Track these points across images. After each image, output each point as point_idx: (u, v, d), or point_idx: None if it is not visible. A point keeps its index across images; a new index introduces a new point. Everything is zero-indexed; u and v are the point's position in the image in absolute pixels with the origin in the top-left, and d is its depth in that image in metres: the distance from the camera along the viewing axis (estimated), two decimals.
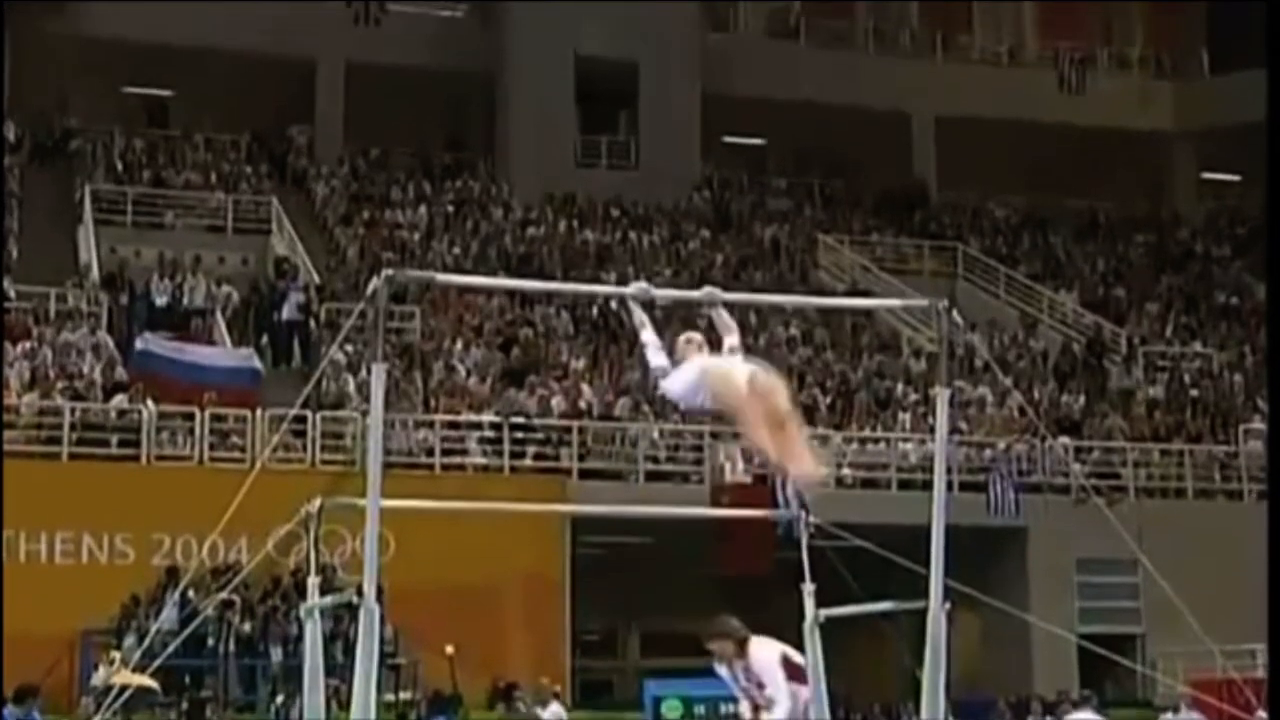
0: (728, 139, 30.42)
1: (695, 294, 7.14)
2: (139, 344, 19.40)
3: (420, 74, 28.01)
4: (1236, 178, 33.25)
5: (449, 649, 16.27)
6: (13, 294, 20.86)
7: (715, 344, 7.11)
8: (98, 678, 15.26)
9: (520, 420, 19.72)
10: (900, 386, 22.85)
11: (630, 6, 28.57)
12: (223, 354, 20.41)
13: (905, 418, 21.84)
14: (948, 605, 6.94)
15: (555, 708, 15.92)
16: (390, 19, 28.68)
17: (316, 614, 7.51)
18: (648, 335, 6.95)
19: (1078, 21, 33.60)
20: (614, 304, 23.23)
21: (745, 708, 7.61)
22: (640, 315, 6.99)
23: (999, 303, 27.48)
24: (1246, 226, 31.32)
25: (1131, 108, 32.27)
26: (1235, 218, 31.99)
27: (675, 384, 6.88)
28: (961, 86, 31.12)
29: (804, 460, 6.70)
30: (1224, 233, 31.77)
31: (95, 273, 22.19)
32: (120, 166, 25.74)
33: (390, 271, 6.51)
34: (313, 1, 28.62)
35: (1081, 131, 31.10)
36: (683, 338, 7.00)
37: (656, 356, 6.92)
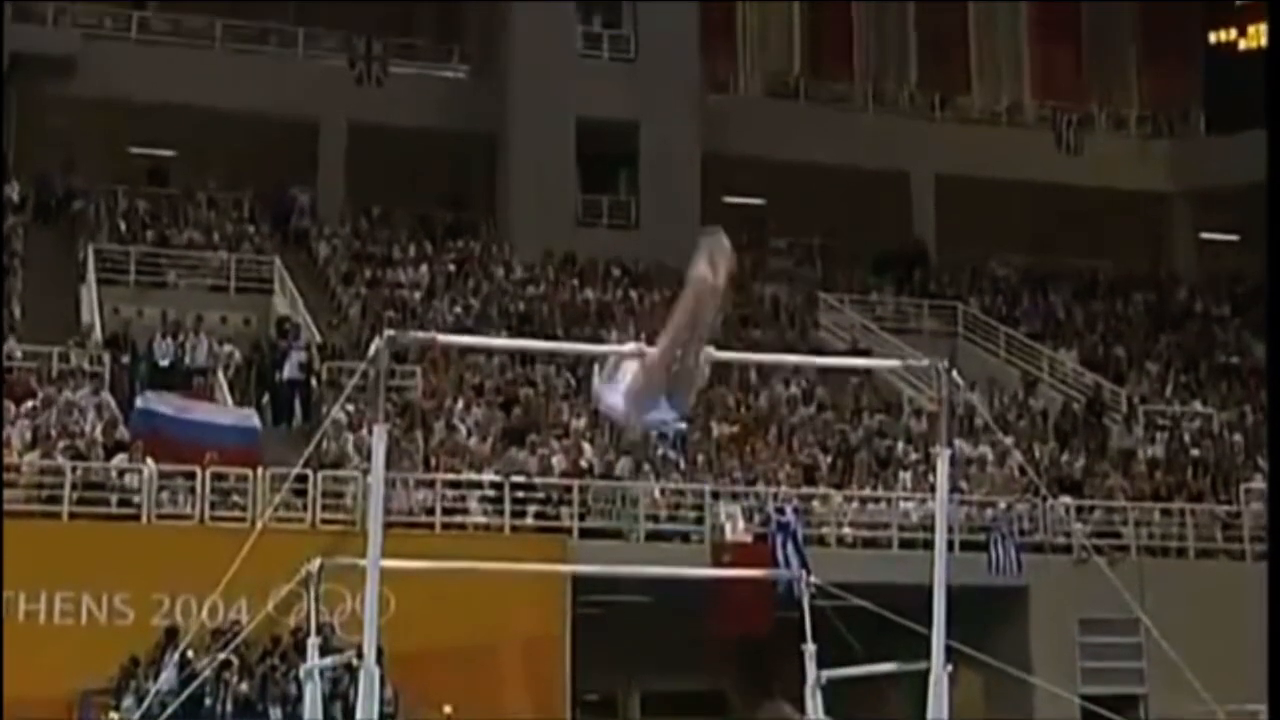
0: (728, 199, 30.63)
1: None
2: (140, 402, 19.49)
3: (422, 134, 28.31)
4: (1234, 238, 33.51)
5: (446, 709, 16.29)
6: (17, 353, 20.97)
7: None
8: None
9: (521, 479, 19.74)
10: (901, 445, 22.88)
11: (630, 68, 28.95)
12: (224, 411, 20.50)
13: (906, 477, 21.88)
14: (949, 667, 6.94)
15: None
16: (392, 80, 29.03)
17: (316, 675, 7.54)
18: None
19: (1075, 82, 34.01)
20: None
21: None
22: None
23: (999, 361, 27.63)
24: (1245, 286, 31.53)
25: (1129, 168, 32.55)
26: (1234, 277, 32.19)
27: (608, 395, 6.69)
28: (960, 147, 31.41)
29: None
30: (1223, 292, 31.95)
31: (98, 332, 22.31)
32: (123, 226, 25.86)
33: (392, 332, 6.56)
34: (315, 62, 29.13)
35: (1080, 191, 31.42)
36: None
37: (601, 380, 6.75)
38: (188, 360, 21.95)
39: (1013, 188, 30.89)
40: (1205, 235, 33.86)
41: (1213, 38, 33.22)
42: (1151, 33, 34.64)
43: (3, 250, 23.13)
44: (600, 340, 23.25)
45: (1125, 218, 31.98)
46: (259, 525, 11.86)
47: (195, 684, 13.30)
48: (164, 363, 21.75)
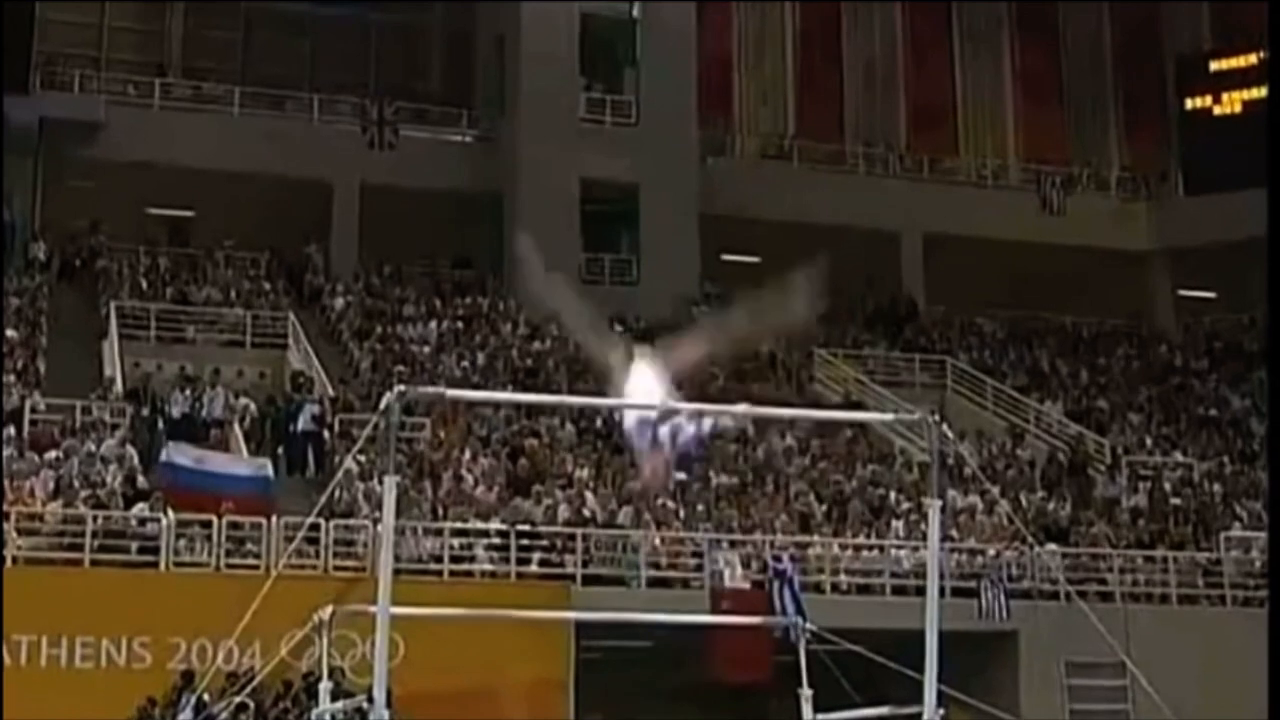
0: (725, 257, 31.18)
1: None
2: (164, 455, 19.86)
3: (431, 195, 28.89)
4: (1211, 295, 34.09)
5: None
6: (41, 406, 21.41)
7: None
8: None
9: (526, 528, 20.04)
10: (894, 495, 23.23)
11: (632, 132, 29.57)
12: (240, 462, 20.86)
13: (899, 525, 22.18)
14: (941, 710, 7.28)
15: None
16: (403, 143, 29.66)
17: (328, 718, 7.86)
18: None
19: (1058, 146, 34.69)
20: (616, 416, 23.80)
21: None
22: None
23: (987, 414, 28.04)
24: (1222, 341, 32.10)
25: (1110, 228, 33.17)
26: (1212, 332, 32.72)
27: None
28: (949, 207, 32.05)
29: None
30: (1201, 347, 32.42)
31: (119, 385, 22.72)
32: (144, 284, 26.41)
33: (402, 388, 6.81)
34: (329, 127, 29.73)
35: (1063, 250, 31.93)
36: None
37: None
38: (205, 412, 22.36)
39: (999, 247, 31.42)
40: (1183, 292, 34.37)
41: (1189, 104, 33.85)
42: (1131, 100, 35.37)
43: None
44: (602, 394, 23.64)
45: (1107, 275, 32.44)
46: (273, 573, 12.07)
47: None
48: (181, 414, 22.17)
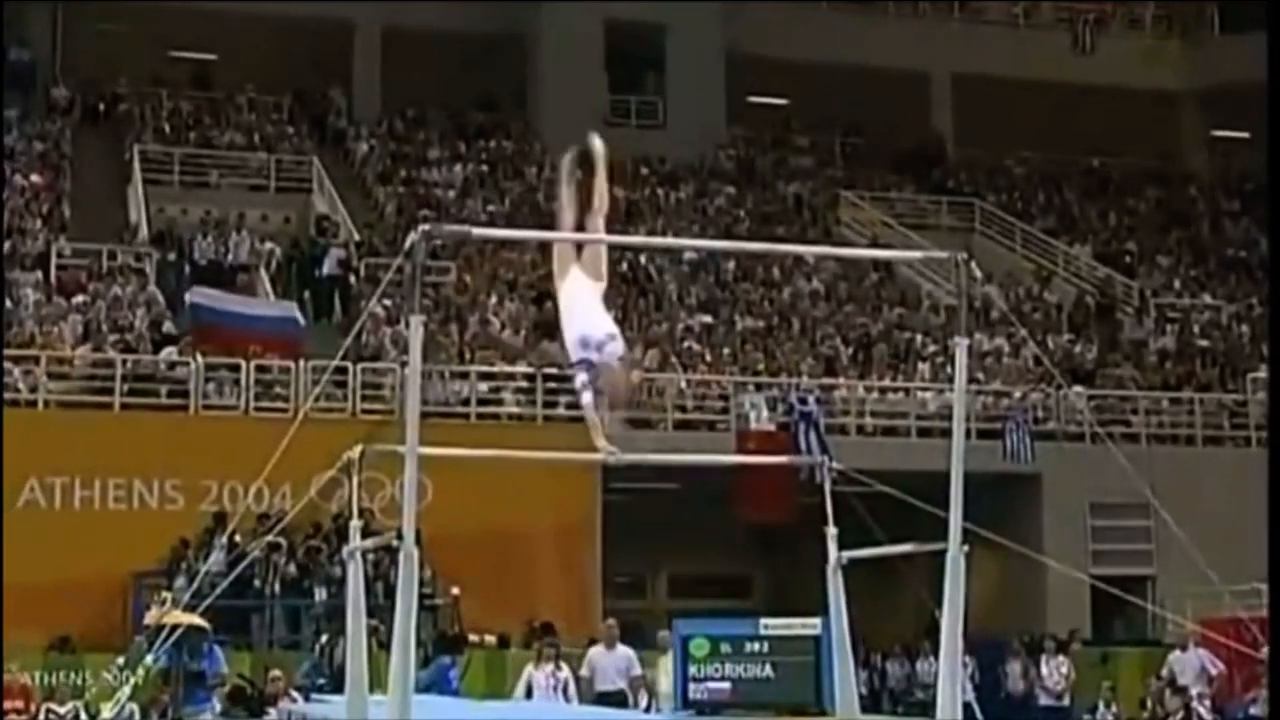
0: (752, 99, 30.78)
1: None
2: (189, 297, 19.95)
3: (455, 36, 28.45)
4: (1245, 135, 33.54)
5: (454, 590, 16.63)
6: (67, 251, 21.51)
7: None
8: (150, 617, 15.58)
9: (553, 371, 19.96)
10: (919, 338, 23.29)
11: None
12: (266, 305, 20.98)
13: (924, 368, 22.26)
14: (966, 548, 7.09)
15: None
16: None
17: (358, 556, 7.87)
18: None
19: None
20: (643, 259, 23.84)
21: None
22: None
23: (1015, 256, 27.95)
24: (1254, 182, 31.69)
25: (1142, 67, 32.41)
26: (1243, 174, 32.31)
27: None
28: (978, 47, 31.46)
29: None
30: (1232, 188, 32.12)
31: (144, 230, 22.79)
32: (167, 128, 26.30)
33: (427, 227, 6.57)
34: None
35: (1094, 90, 31.37)
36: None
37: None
38: (230, 257, 22.45)
39: (1029, 87, 30.89)
40: (1216, 133, 33.84)
41: None
42: None
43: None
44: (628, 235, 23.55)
45: (1138, 116, 31.89)
46: (300, 415, 12.16)
47: (244, 565, 13.74)
48: (207, 259, 22.26)
